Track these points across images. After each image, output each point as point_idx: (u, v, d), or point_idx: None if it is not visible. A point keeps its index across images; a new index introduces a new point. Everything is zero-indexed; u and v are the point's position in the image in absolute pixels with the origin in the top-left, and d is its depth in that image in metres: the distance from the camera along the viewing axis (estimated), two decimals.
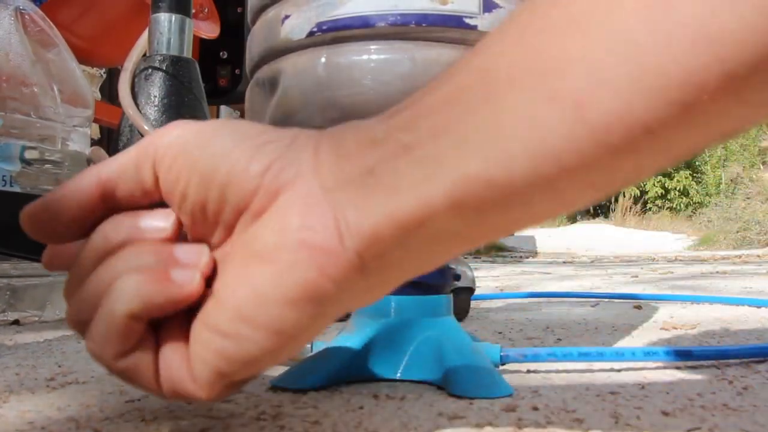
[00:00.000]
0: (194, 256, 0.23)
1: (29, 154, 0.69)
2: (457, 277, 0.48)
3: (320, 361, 0.38)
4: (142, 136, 0.63)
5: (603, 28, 0.18)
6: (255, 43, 0.42)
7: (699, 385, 0.38)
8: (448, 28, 0.37)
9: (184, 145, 0.23)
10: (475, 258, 3.34)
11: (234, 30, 1.32)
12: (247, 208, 0.22)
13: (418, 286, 0.40)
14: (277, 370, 0.38)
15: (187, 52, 0.75)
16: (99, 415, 0.31)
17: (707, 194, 9.32)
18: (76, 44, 1.08)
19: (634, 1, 0.17)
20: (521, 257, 3.90)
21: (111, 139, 0.92)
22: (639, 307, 0.83)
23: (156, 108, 0.70)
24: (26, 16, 0.72)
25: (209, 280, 0.23)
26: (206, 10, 1.10)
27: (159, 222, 0.24)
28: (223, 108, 1.57)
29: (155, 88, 0.71)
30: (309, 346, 0.43)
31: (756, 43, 0.16)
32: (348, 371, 0.38)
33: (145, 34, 0.73)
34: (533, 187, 0.19)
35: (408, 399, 0.35)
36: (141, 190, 0.24)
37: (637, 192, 9.45)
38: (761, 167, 8.63)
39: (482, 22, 0.37)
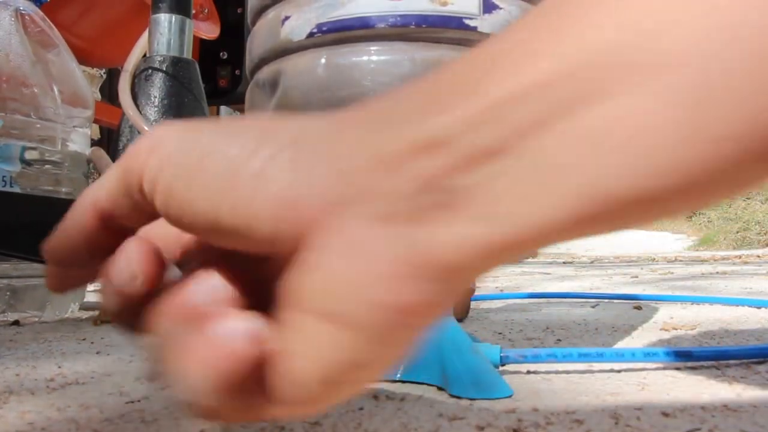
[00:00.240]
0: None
1: (29, 155, 0.69)
2: None
3: None
4: None
5: None
6: (255, 44, 0.42)
7: (699, 385, 0.38)
8: (448, 29, 0.37)
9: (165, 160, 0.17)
10: None
11: (234, 30, 1.33)
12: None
13: None
14: None
15: (187, 53, 0.75)
16: (99, 416, 0.31)
17: None
18: (76, 45, 1.09)
19: None
20: (521, 257, 3.88)
21: (111, 139, 0.92)
22: (639, 308, 0.82)
23: (156, 108, 0.70)
24: (26, 17, 0.72)
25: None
26: (206, 11, 1.10)
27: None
28: (223, 108, 1.57)
29: (155, 89, 0.71)
30: None
31: None
32: None
33: (145, 35, 0.74)
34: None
35: (408, 400, 0.35)
36: (140, 213, 0.19)
37: None
38: None
39: (482, 23, 0.37)
